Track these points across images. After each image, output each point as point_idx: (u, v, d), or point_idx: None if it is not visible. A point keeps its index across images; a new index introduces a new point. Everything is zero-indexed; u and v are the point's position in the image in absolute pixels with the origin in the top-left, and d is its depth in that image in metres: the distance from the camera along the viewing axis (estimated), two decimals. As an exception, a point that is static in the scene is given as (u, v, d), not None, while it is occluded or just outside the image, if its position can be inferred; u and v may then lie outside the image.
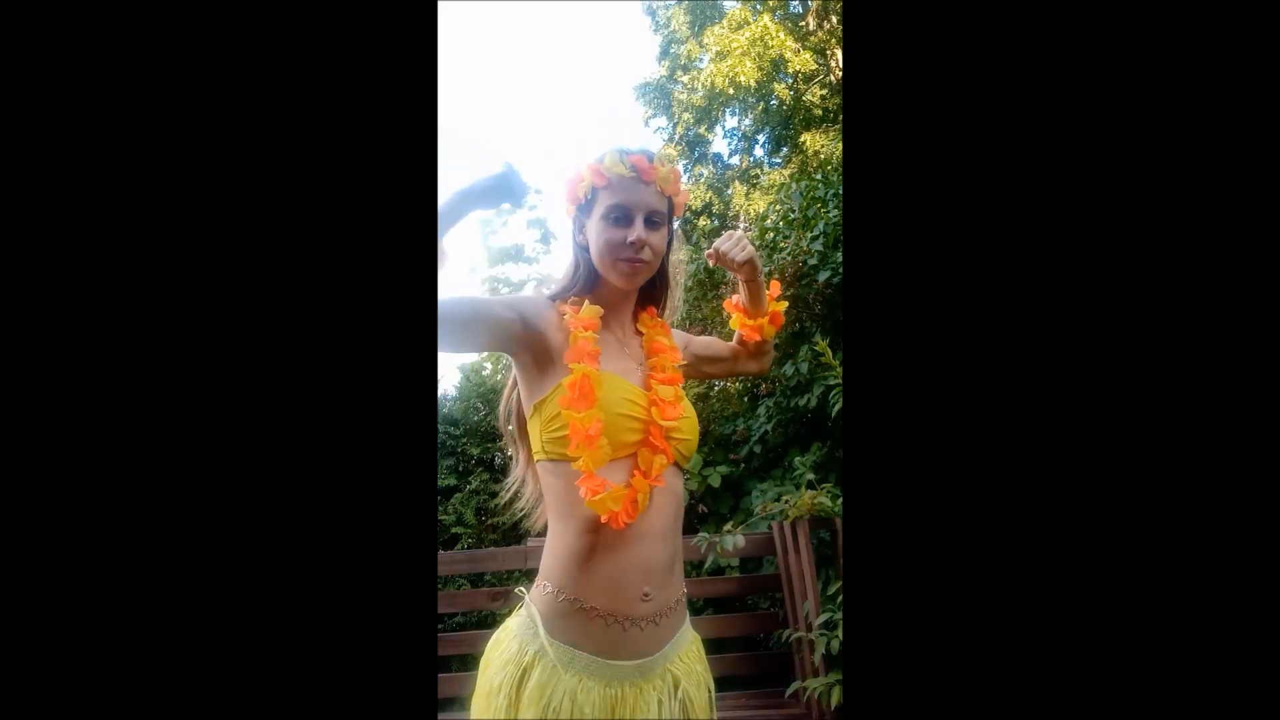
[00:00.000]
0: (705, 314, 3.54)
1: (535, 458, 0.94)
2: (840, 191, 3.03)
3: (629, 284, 0.96)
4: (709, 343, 1.16)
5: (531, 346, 0.92)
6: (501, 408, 1.06)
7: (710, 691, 0.95)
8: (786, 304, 1.08)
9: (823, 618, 2.01)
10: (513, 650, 0.86)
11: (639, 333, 1.04)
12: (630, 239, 0.91)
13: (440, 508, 3.54)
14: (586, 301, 0.94)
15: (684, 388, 0.98)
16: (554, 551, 0.90)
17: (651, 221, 0.93)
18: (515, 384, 0.99)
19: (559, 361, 0.90)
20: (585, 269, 0.97)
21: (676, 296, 1.06)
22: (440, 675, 2.58)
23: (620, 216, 0.92)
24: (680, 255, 1.06)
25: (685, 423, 0.93)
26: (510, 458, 1.08)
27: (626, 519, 0.83)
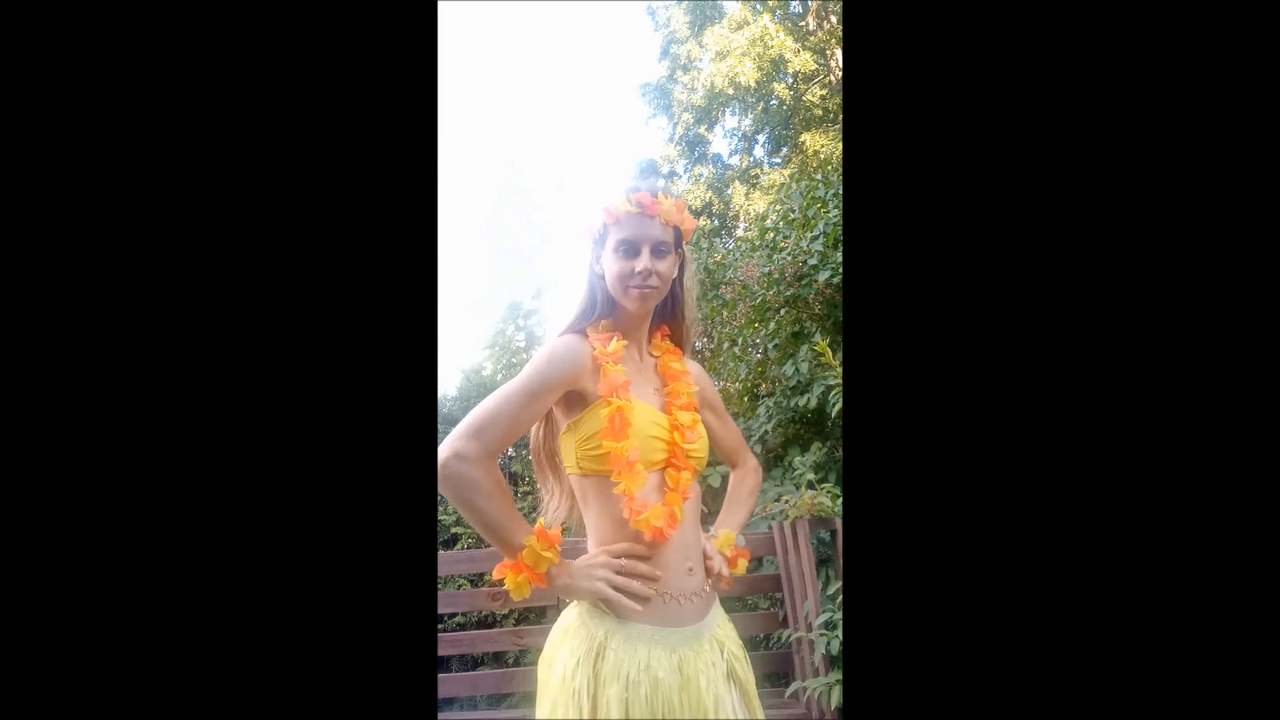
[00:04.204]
0: (705, 312, 3.54)
1: (569, 470, 1.05)
2: (840, 191, 3.03)
3: (640, 308, 1.04)
4: (714, 404, 1.21)
5: (569, 392, 1.02)
6: (532, 441, 1.13)
7: (746, 655, 1.11)
8: (748, 560, 1.18)
9: (823, 618, 2.01)
10: (583, 636, 0.98)
11: (652, 355, 1.13)
12: (638, 269, 1.00)
13: (440, 508, 3.54)
14: (616, 337, 1.02)
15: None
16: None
17: (658, 251, 1.01)
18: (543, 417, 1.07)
19: (592, 389, 1.00)
20: (602, 295, 1.06)
21: (690, 312, 1.14)
22: (440, 675, 2.58)
23: (629, 249, 1.01)
24: (691, 276, 1.13)
25: (701, 442, 1.05)
26: (539, 486, 1.17)
27: (669, 530, 0.96)
